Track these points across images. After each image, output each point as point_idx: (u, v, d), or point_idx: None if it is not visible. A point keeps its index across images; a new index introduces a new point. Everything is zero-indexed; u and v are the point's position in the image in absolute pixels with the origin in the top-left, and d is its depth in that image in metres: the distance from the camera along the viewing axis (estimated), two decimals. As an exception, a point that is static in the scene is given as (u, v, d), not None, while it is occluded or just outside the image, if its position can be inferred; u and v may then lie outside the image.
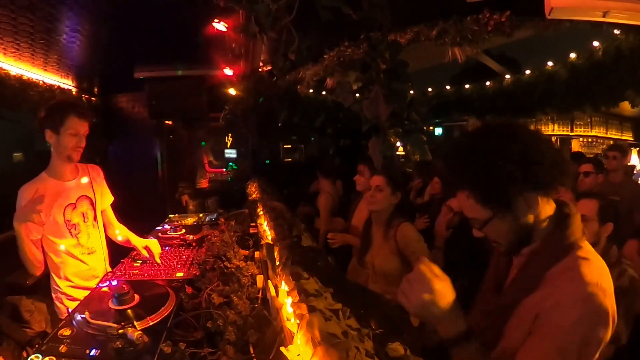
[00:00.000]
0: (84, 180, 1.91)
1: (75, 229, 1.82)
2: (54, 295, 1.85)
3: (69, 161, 1.82)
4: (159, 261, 1.80)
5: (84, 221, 1.86)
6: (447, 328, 0.82)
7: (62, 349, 1.02)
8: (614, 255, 1.78)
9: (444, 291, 0.81)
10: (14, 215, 1.66)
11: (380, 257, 2.03)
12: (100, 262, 1.92)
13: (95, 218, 1.93)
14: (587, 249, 0.87)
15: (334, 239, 2.51)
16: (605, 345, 0.80)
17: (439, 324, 0.82)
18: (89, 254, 1.86)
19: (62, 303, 1.81)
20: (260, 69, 4.40)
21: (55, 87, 4.23)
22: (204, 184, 6.02)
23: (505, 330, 0.88)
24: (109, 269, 1.90)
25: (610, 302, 0.79)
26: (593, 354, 0.79)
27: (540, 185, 0.85)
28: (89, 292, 1.55)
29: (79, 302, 1.45)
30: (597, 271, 0.82)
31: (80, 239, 1.84)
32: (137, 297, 1.29)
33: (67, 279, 1.81)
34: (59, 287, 1.81)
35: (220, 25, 2.87)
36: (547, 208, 0.89)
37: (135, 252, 1.89)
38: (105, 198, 2.04)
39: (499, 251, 0.97)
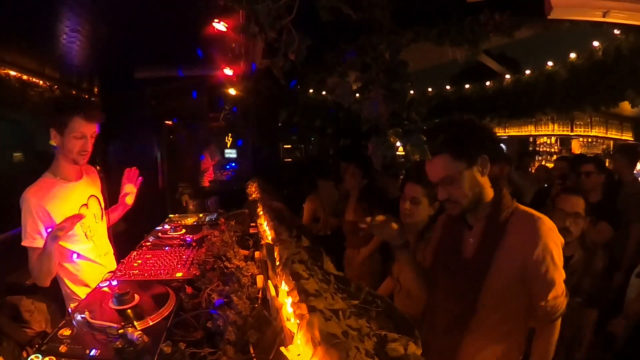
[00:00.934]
0: (89, 179, 1.88)
1: (90, 231, 1.80)
2: (68, 303, 1.77)
3: (75, 164, 1.75)
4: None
5: (95, 222, 1.84)
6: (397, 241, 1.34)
7: (62, 349, 1.02)
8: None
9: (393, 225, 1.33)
10: (45, 236, 1.56)
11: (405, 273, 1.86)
12: (112, 262, 1.92)
13: (102, 217, 1.91)
14: (522, 206, 1.23)
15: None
16: None
17: (396, 240, 1.34)
18: (104, 255, 1.87)
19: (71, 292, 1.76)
20: (260, 69, 4.40)
21: (55, 87, 4.23)
22: (205, 183, 6.03)
23: (486, 285, 1.17)
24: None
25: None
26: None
27: (492, 154, 1.22)
28: None
29: None
30: (542, 215, 1.18)
31: (96, 241, 1.82)
32: (137, 297, 1.29)
33: (86, 284, 1.75)
34: (77, 294, 1.73)
35: (220, 25, 2.86)
36: (488, 180, 1.23)
37: (136, 252, 1.89)
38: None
39: (455, 213, 1.25)
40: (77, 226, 1.66)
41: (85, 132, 1.69)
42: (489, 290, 1.17)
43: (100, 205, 1.91)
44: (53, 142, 1.71)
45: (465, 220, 1.29)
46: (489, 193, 1.22)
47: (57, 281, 1.77)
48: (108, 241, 1.92)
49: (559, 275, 1.15)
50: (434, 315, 1.34)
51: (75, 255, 1.73)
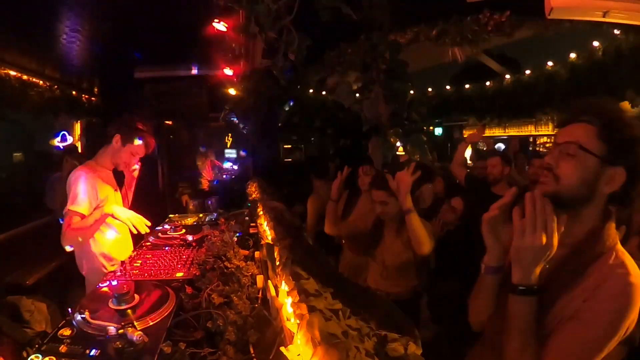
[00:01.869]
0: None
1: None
2: (93, 276, 1.99)
3: (116, 167, 2.12)
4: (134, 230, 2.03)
5: (119, 204, 2.14)
6: (530, 277, 0.86)
7: (62, 349, 1.02)
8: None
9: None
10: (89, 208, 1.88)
11: (392, 252, 2.05)
12: (129, 242, 2.21)
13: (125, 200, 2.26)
14: (623, 250, 0.90)
15: None
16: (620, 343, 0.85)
17: (527, 267, 0.85)
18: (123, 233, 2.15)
19: (101, 265, 2.01)
20: (260, 69, 4.40)
21: (55, 87, 4.23)
22: (205, 183, 6.03)
23: (543, 324, 0.89)
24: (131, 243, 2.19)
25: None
26: (614, 343, 0.83)
27: (631, 177, 0.88)
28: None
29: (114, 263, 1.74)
30: (636, 269, 0.86)
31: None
32: (137, 297, 1.29)
33: (110, 257, 2.04)
34: (104, 265, 2.01)
35: (220, 25, 2.86)
36: (603, 199, 0.92)
37: (136, 252, 1.89)
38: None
39: (543, 190, 0.91)
40: (112, 200, 2.04)
41: (138, 152, 2.09)
42: (547, 329, 0.90)
43: (126, 198, 2.28)
44: (114, 144, 2.04)
45: None
46: (593, 214, 0.92)
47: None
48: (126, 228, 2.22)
49: (596, 356, 0.84)
50: (485, 330, 1.11)
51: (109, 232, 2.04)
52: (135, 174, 2.34)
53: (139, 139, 2.05)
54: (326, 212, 2.37)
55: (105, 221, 1.93)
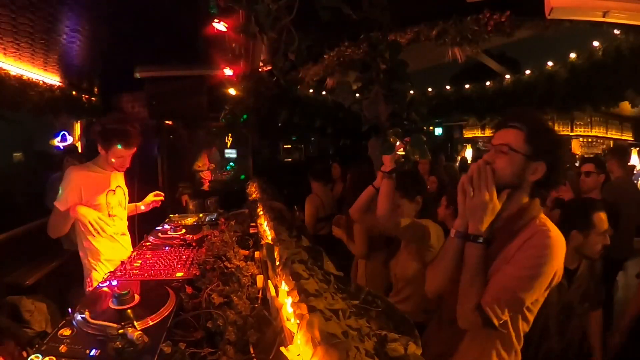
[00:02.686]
0: (120, 174, 2.25)
1: (112, 211, 2.15)
2: (86, 275, 2.12)
3: (113, 170, 2.17)
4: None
5: (119, 205, 2.21)
6: (481, 229, 1.13)
7: (62, 349, 1.02)
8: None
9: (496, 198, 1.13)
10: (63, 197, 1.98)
11: (400, 264, 1.96)
12: (128, 243, 2.27)
13: (125, 205, 2.29)
14: (546, 217, 1.17)
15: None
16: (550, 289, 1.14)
17: (477, 220, 1.13)
18: (121, 234, 2.22)
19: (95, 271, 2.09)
20: (260, 69, 4.40)
21: (55, 87, 4.23)
22: (205, 184, 6.03)
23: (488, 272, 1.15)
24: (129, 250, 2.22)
25: (561, 256, 1.10)
26: (543, 284, 1.09)
27: (555, 167, 1.16)
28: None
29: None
30: (556, 229, 1.13)
31: (116, 221, 2.18)
32: (137, 297, 1.29)
33: (105, 258, 2.11)
34: (95, 267, 2.09)
35: (220, 25, 2.86)
36: (530, 185, 1.18)
37: (136, 252, 1.89)
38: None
39: None
40: (103, 203, 2.10)
41: (123, 154, 2.09)
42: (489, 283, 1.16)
43: (125, 195, 2.29)
44: (100, 151, 2.11)
45: None
46: (523, 196, 1.19)
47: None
48: (126, 225, 2.30)
49: (524, 292, 1.08)
50: (443, 304, 1.36)
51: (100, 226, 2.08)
52: (156, 198, 2.50)
53: (119, 143, 2.04)
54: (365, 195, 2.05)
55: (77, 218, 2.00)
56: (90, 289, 2.02)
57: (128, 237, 2.31)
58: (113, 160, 2.09)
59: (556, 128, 8.58)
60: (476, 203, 1.13)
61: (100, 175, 2.12)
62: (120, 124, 2.05)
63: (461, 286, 1.16)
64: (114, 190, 2.18)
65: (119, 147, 2.04)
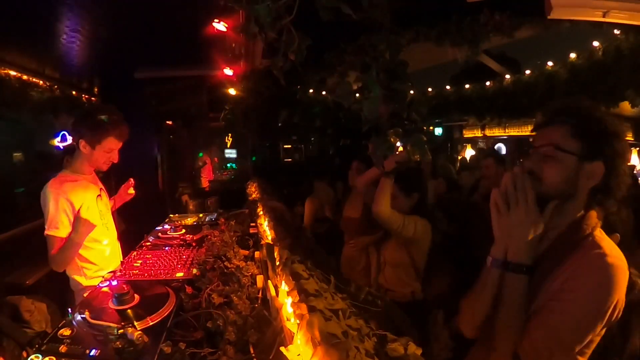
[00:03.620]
0: (95, 174, 2.05)
1: (103, 217, 1.99)
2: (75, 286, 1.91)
3: (98, 170, 1.96)
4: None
5: (107, 209, 2.06)
6: (522, 254, 0.92)
7: (62, 349, 1.02)
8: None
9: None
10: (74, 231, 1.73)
11: (390, 249, 2.09)
12: (117, 247, 2.09)
13: (111, 210, 2.14)
14: (602, 234, 0.95)
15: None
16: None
17: (517, 243, 0.92)
18: (111, 240, 2.04)
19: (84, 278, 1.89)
20: (260, 69, 4.40)
21: (55, 87, 4.23)
22: (204, 183, 6.03)
23: (530, 312, 0.93)
24: (121, 257, 2.05)
25: (622, 284, 0.86)
26: (599, 325, 0.86)
27: (615, 167, 0.93)
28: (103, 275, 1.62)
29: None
30: (616, 250, 0.90)
31: (107, 225, 2.01)
32: (137, 297, 1.29)
33: (92, 263, 1.90)
34: (84, 274, 1.89)
35: (220, 25, 2.86)
36: (586, 193, 0.96)
37: (136, 252, 1.89)
38: None
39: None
40: (95, 211, 1.89)
41: (114, 147, 1.88)
42: (536, 306, 0.94)
43: (108, 196, 2.13)
44: (82, 150, 1.84)
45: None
46: (576, 207, 0.97)
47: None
48: (114, 231, 2.11)
49: (573, 338, 0.86)
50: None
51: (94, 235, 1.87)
52: (131, 191, 2.27)
53: (112, 134, 1.83)
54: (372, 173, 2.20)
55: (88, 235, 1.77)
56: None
57: (116, 241, 2.11)
58: (100, 157, 1.85)
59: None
60: (514, 222, 0.91)
61: (87, 178, 1.92)
62: (108, 109, 1.87)
63: (497, 325, 0.93)
64: (100, 195, 2.00)
65: (113, 138, 1.84)
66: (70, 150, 1.99)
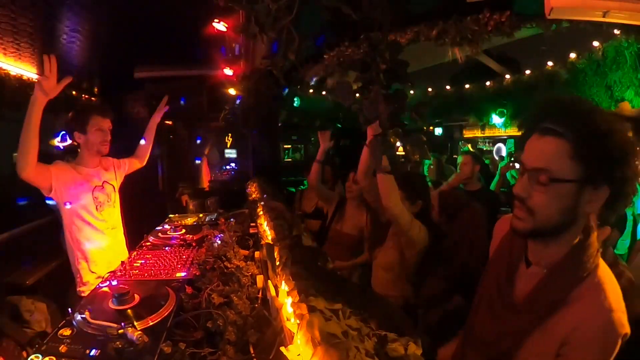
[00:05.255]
0: (108, 169, 2.21)
1: (101, 206, 2.10)
2: (76, 276, 2.02)
3: (99, 154, 2.10)
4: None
5: (108, 201, 2.15)
6: None
7: (62, 349, 1.02)
8: (610, 256, 1.76)
9: None
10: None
11: (383, 253, 2.08)
12: (121, 237, 2.22)
13: (115, 202, 2.21)
14: (605, 268, 0.84)
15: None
16: None
17: None
18: (112, 229, 2.15)
19: (82, 281, 2.01)
20: (260, 69, 4.40)
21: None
22: (204, 183, 6.03)
23: (523, 345, 0.86)
24: (126, 250, 2.19)
25: (626, 322, 0.78)
26: None
27: (624, 190, 0.76)
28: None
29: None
30: (617, 294, 0.80)
31: (105, 215, 2.11)
32: (137, 297, 1.29)
33: (92, 258, 2.02)
34: (85, 267, 2.01)
35: (220, 25, 2.87)
36: (585, 219, 0.83)
37: (136, 252, 1.89)
38: (122, 172, 2.33)
39: (516, 227, 0.85)
40: (90, 200, 2.04)
41: (103, 126, 2.05)
42: (527, 353, 0.86)
43: (115, 191, 2.22)
44: (78, 141, 2.04)
45: (525, 251, 0.93)
46: (576, 233, 0.83)
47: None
48: (119, 219, 2.24)
49: None
50: (470, 340, 1.04)
51: (89, 221, 2.03)
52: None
53: (95, 113, 2.03)
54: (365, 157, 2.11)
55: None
56: (83, 288, 1.98)
57: (120, 230, 2.24)
58: (95, 139, 2.03)
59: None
60: None
61: (84, 172, 2.07)
62: (89, 100, 2.12)
63: None
64: (102, 187, 2.13)
65: (97, 115, 2.02)
66: (71, 151, 2.11)
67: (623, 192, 0.76)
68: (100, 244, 2.06)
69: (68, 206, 1.97)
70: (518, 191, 0.81)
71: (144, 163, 2.52)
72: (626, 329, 0.78)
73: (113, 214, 2.18)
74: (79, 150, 2.11)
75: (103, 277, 1.55)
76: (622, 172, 0.74)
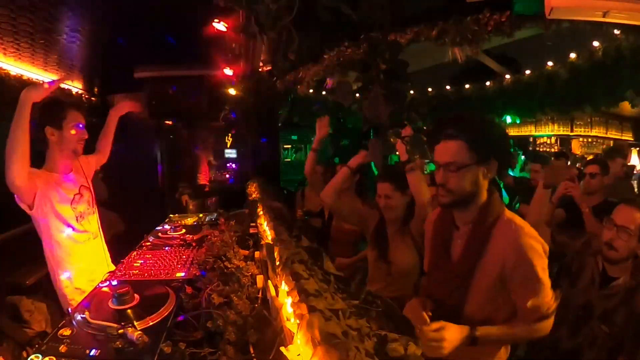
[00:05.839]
0: (79, 171, 1.96)
1: (82, 217, 1.90)
2: (58, 290, 1.86)
3: (75, 155, 1.85)
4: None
5: (88, 209, 1.95)
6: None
7: (62, 349, 1.02)
8: None
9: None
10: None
11: (398, 254, 2.00)
12: (100, 246, 1.98)
13: (93, 205, 2.01)
14: (509, 211, 1.23)
15: None
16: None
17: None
18: (94, 238, 1.96)
19: (67, 300, 1.82)
20: (260, 69, 4.40)
21: (55, 87, 4.22)
22: (205, 182, 6.03)
23: (472, 286, 1.21)
24: (109, 258, 2.00)
25: (536, 234, 1.18)
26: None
27: (506, 160, 1.29)
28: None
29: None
30: (522, 220, 1.21)
31: (85, 225, 1.91)
32: (137, 297, 1.29)
33: (70, 274, 1.84)
34: (63, 277, 1.83)
35: (220, 25, 2.86)
36: (486, 184, 1.23)
37: (136, 252, 1.89)
38: (91, 170, 2.10)
39: (444, 202, 1.24)
40: (69, 212, 1.82)
41: (78, 118, 1.83)
42: (474, 293, 1.21)
43: (92, 194, 2.00)
44: (50, 138, 1.78)
45: (454, 220, 1.32)
46: (482, 197, 1.23)
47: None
48: (97, 225, 2.02)
49: (540, 283, 1.15)
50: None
51: (67, 235, 1.82)
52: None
53: (68, 109, 1.80)
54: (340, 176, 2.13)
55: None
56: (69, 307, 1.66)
57: (100, 238, 2.00)
58: (72, 132, 1.78)
59: (556, 128, 8.58)
60: None
61: (56, 180, 1.80)
62: (61, 94, 1.89)
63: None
64: (80, 194, 1.90)
65: (73, 110, 1.81)
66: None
67: (505, 157, 1.25)
68: (82, 257, 1.87)
69: (46, 221, 1.75)
70: (439, 180, 1.21)
71: (106, 159, 2.28)
72: (540, 239, 1.16)
73: (93, 221, 1.97)
74: (45, 150, 1.82)
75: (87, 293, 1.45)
76: (502, 150, 1.22)
